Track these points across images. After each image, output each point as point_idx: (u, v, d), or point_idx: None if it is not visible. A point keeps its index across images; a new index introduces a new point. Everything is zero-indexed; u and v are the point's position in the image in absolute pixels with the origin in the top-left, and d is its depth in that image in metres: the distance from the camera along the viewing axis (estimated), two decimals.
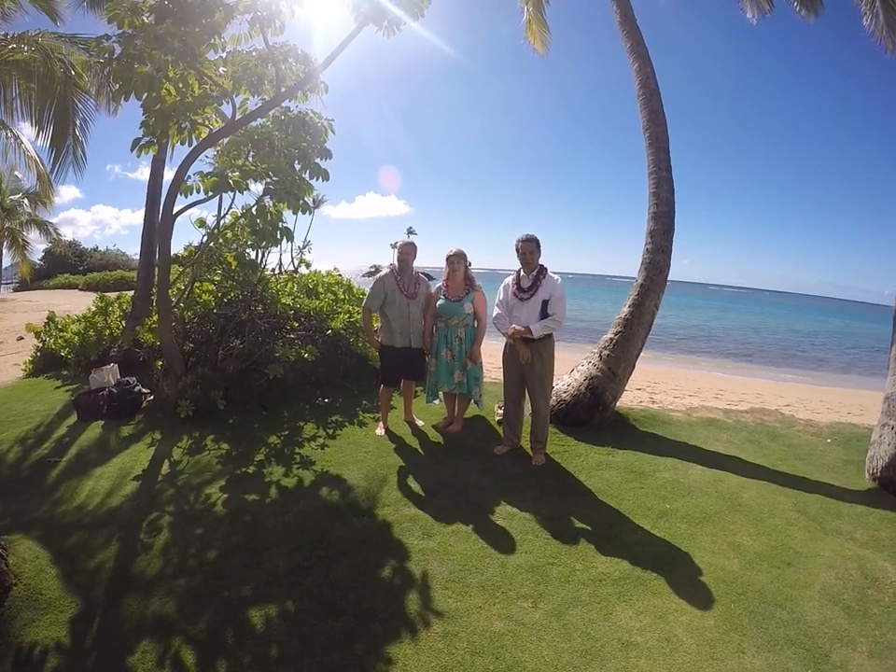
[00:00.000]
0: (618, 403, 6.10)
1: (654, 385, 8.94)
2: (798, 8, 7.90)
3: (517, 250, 4.77)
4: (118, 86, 4.72)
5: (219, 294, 6.77)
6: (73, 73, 7.24)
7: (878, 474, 4.64)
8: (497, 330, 4.95)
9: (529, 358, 4.67)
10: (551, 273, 4.72)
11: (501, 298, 4.92)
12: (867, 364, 17.98)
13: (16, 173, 14.40)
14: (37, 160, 10.00)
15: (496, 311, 4.94)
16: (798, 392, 9.95)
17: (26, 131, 9.19)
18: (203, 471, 4.51)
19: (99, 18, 8.80)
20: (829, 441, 5.83)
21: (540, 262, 4.77)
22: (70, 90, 7.29)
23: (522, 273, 4.82)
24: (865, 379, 14.31)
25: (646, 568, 3.34)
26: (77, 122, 7.76)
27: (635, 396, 7.68)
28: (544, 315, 4.62)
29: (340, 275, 9.17)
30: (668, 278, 5.95)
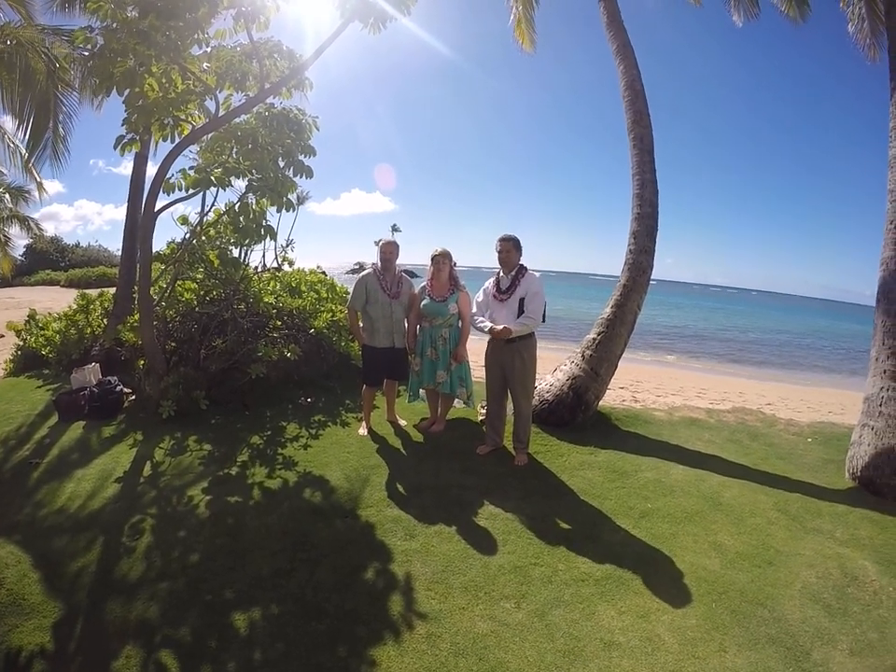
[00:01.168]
0: (601, 402, 6.13)
1: (637, 384, 9.01)
2: (785, 10, 7.95)
3: (496, 250, 4.77)
4: (99, 81, 4.68)
5: (202, 292, 6.71)
6: (56, 66, 7.14)
7: (858, 474, 4.70)
8: (476, 331, 4.96)
9: (510, 333, 4.59)
10: (530, 271, 4.72)
11: (480, 300, 4.93)
12: (849, 364, 18.19)
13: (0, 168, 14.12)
14: (23, 151, 9.86)
15: (473, 310, 4.96)
16: (780, 391, 10.08)
17: (8, 125, 9.02)
18: (185, 473, 4.48)
19: (71, 16, 8.69)
20: (809, 440, 5.91)
21: (521, 262, 4.76)
22: (52, 83, 7.19)
23: (501, 273, 4.82)
24: (846, 378, 14.48)
25: (628, 568, 3.37)
26: (60, 117, 7.66)
27: (618, 395, 7.74)
28: (522, 312, 4.61)
29: (324, 273, 9.12)
30: (653, 277, 6.00)
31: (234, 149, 5.61)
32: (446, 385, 5.24)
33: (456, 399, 5.47)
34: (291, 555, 3.41)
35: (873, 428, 4.69)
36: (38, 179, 10.67)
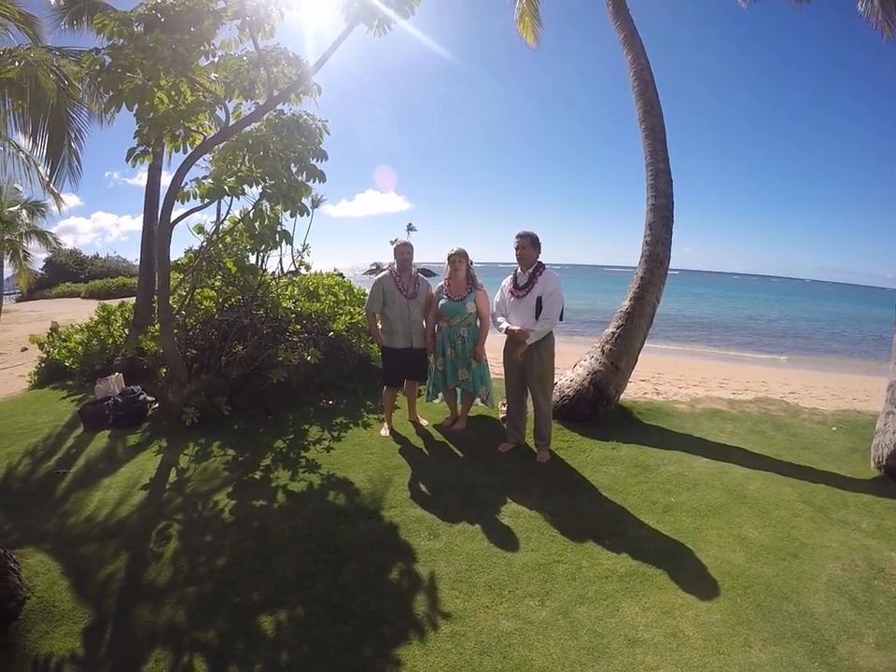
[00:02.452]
0: (622, 396, 6.10)
1: (659, 376, 8.94)
2: None
3: (514, 247, 4.76)
4: (108, 97, 4.74)
5: (220, 300, 6.78)
6: (66, 84, 7.23)
7: (884, 462, 4.62)
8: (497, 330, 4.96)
9: (520, 359, 4.67)
10: (548, 270, 4.70)
11: (498, 299, 4.93)
12: (873, 349, 17.87)
13: (15, 185, 14.39)
14: (39, 167, 9.95)
15: (492, 311, 4.97)
16: (803, 379, 9.94)
17: (22, 142, 9.13)
18: (210, 478, 4.54)
19: (79, 34, 8.81)
20: (834, 429, 5.82)
21: (539, 260, 4.75)
22: (64, 101, 7.28)
23: (519, 270, 4.80)
24: (871, 364, 14.22)
25: (652, 564, 3.36)
26: (73, 134, 7.76)
27: (639, 387, 7.68)
28: (539, 311, 4.59)
29: (341, 275, 9.18)
30: (674, 267, 5.94)
31: (247, 157, 5.65)
32: (469, 384, 5.27)
33: (476, 398, 5.49)
34: (316, 557, 3.44)
35: None
36: (57, 192, 10.77)
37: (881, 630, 2.82)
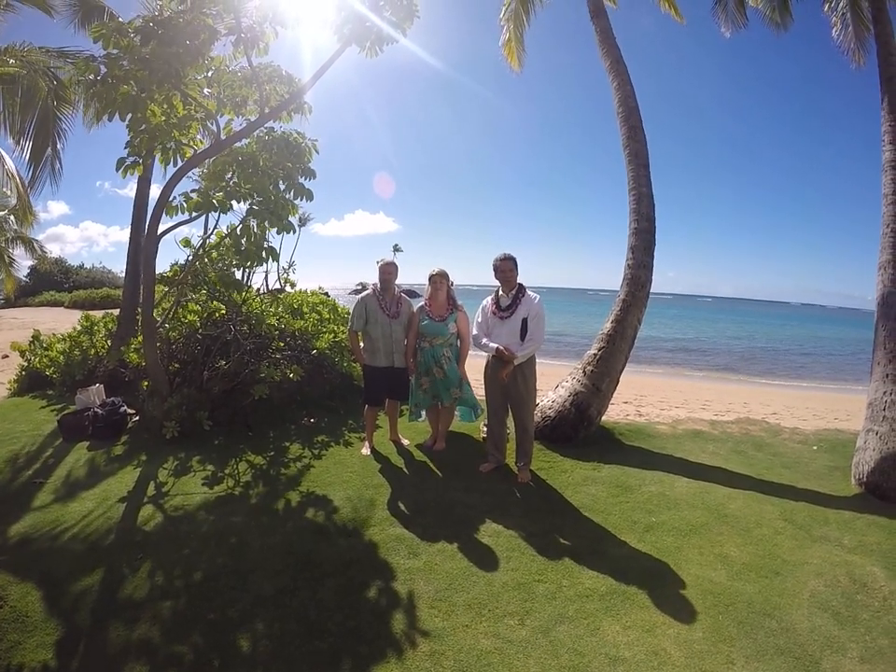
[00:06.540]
0: (604, 417, 6.13)
1: (641, 398, 8.99)
2: (769, 16, 8.08)
3: (496, 270, 4.76)
4: (102, 106, 4.75)
5: (205, 314, 6.74)
6: (56, 83, 7.20)
7: (864, 479, 4.70)
8: (479, 350, 4.96)
9: (506, 380, 4.67)
10: (529, 292, 4.74)
11: (480, 319, 4.92)
12: (854, 370, 18.09)
13: (4, 189, 14.28)
14: (17, 177, 9.78)
15: (474, 331, 4.94)
16: (785, 399, 10.05)
17: (7, 142, 9.03)
18: (188, 493, 4.48)
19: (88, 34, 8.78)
20: (815, 448, 5.89)
21: (519, 281, 4.78)
22: (52, 100, 7.25)
23: (500, 292, 4.82)
24: (851, 385, 14.39)
25: (633, 583, 3.34)
26: (57, 134, 7.72)
27: (621, 409, 7.72)
28: (524, 332, 4.62)
29: (326, 294, 9.17)
30: (657, 291, 6.00)
31: (235, 173, 5.66)
32: (466, 400, 5.34)
33: (457, 414, 5.51)
34: (294, 574, 3.39)
35: (877, 433, 4.69)
36: (29, 201, 10.59)
37: (865, 644, 2.83)
